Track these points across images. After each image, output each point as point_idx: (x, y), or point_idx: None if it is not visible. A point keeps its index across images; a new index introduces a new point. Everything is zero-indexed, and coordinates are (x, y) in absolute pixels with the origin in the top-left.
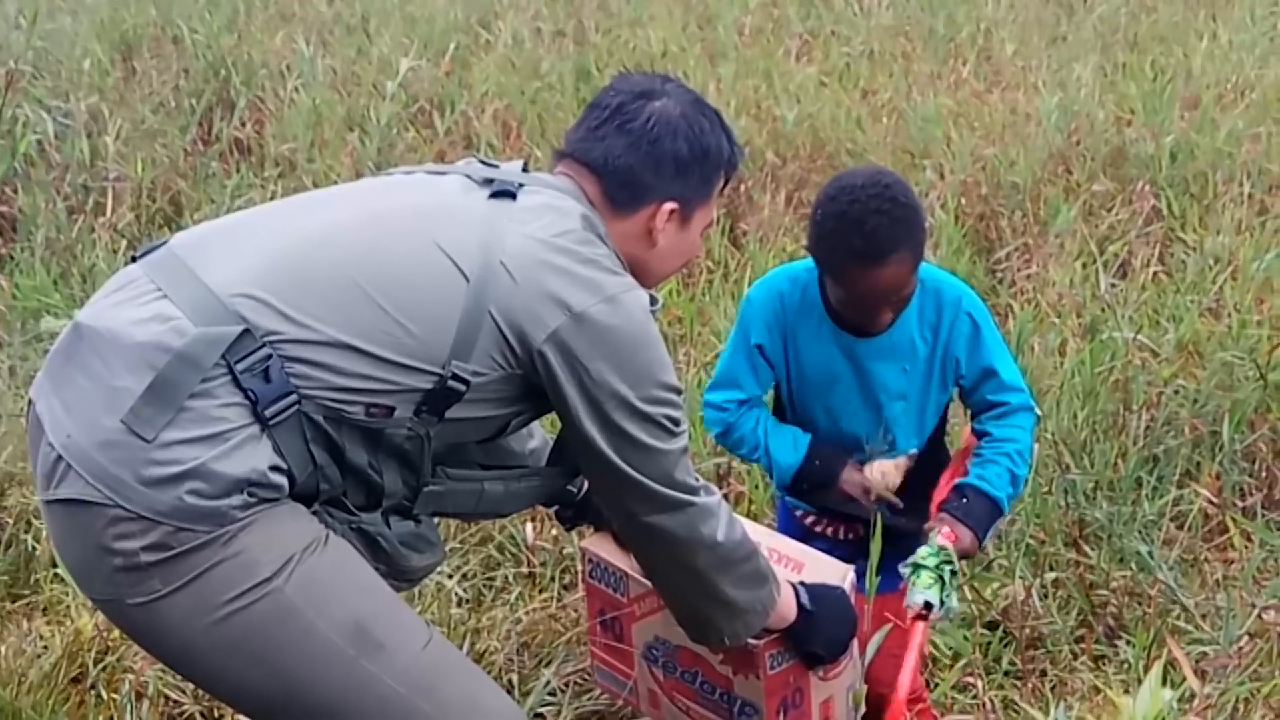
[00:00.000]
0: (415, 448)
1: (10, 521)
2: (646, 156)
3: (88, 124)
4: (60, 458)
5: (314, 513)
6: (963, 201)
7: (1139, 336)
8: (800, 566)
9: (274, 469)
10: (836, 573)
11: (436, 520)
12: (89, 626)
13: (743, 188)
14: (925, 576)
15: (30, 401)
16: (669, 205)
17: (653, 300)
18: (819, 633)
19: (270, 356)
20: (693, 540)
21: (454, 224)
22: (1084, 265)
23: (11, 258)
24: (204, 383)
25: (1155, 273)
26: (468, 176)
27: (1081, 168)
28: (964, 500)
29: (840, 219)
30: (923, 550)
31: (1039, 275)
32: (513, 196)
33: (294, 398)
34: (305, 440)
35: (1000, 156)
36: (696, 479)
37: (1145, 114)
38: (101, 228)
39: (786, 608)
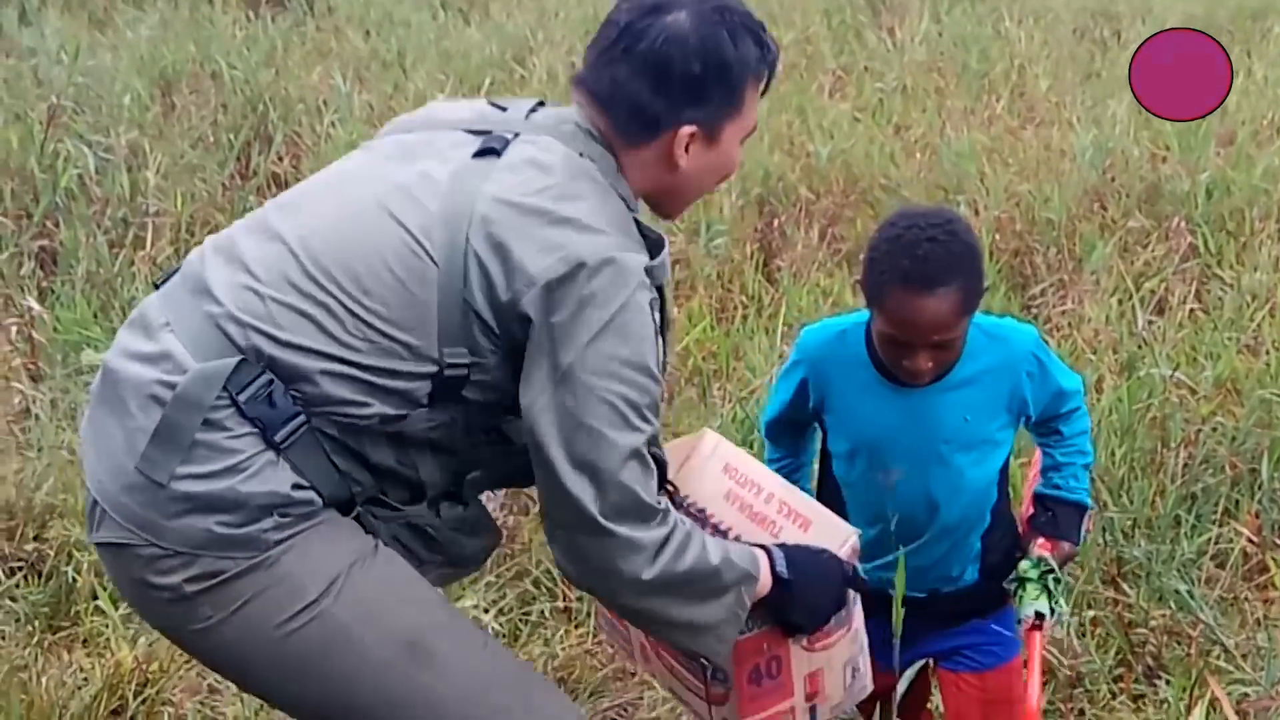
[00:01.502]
0: (444, 434)
1: (51, 554)
2: (656, 81)
3: (128, 159)
4: (96, 502)
5: (356, 517)
6: (997, 238)
7: (1177, 374)
8: (807, 524)
9: (297, 487)
10: (839, 534)
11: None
12: (129, 658)
13: (776, 223)
14: (1031, 589)
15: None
16: (686, 130)
17: (656, 247)
18: (797, 602)
19: (271, 381)
20: (609, 573)
21: (422, 206)
22: (1120, 302)
23: (53, 291)
24: (212, 414)
25: (1192, 310)
26: (467, 131)
27: (1117, 204)
28: (1050, 514)
29: (894, 242)
30: (1024, 564)
31: (1075, 312)
32: (499, 153)
33: (301, 419)
34: (326, 454)
35: (1035, 193)
36: (654, 498)
37: (1180, 150)
38: (141, 261)
39: (762, 576)
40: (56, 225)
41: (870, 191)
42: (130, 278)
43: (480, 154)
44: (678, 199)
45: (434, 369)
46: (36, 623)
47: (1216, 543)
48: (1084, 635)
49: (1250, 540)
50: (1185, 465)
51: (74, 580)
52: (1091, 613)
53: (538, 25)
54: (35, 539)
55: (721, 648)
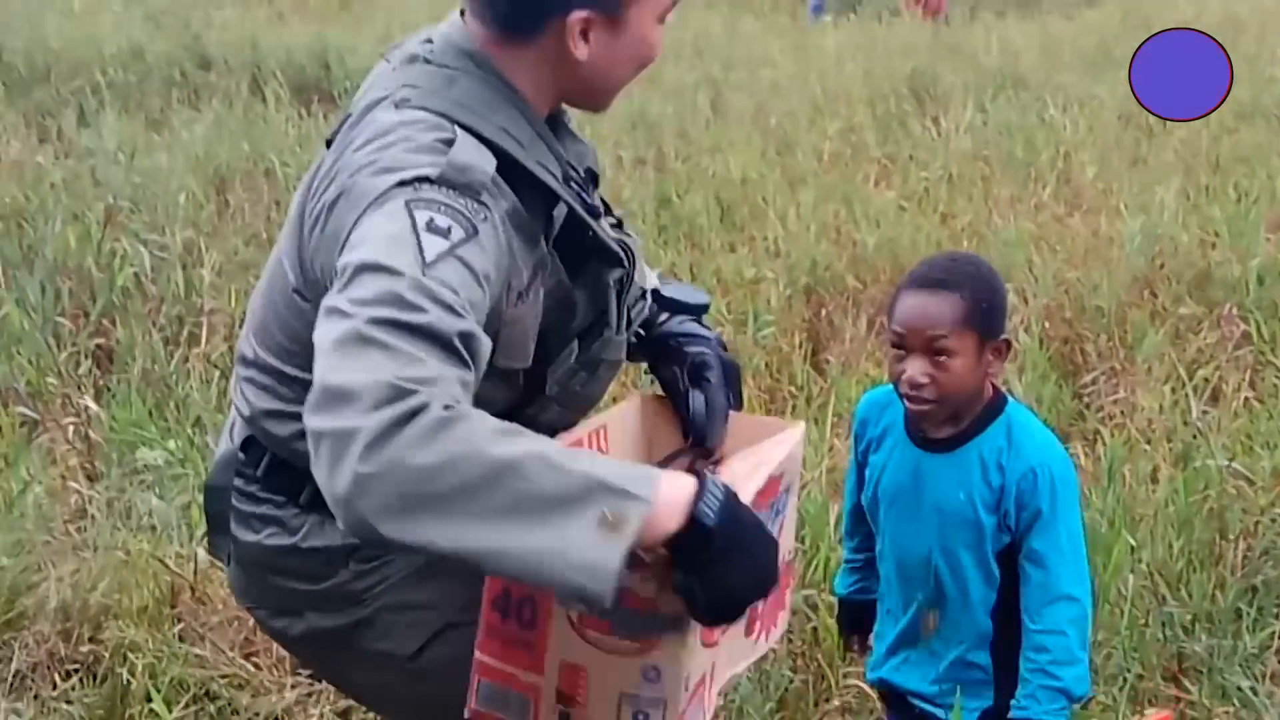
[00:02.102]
0: None
1: (106, 655)
2: None
3: (183, 256)
4: None
5: None
6: (1047, 325)
7: (1233, 464)
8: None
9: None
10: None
11: None
12: None
13: (824, 312)
14: None
15: None
16: (576, 15)
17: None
18: (714, 562)
19: (270, 453)
20: (336, 487)
21: (289, 238)
22: (1173, 390)
23: (109, 389)
24: (249, 488)
25: (1247, 398)
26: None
27: (1167, 291)
28: None
29: (921, 262)
30: None
31: (1127, 400)
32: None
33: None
34: None
35: (1084, 280)
36: (395, 376)
37: (1230, 237)
38: (196, 358)
39: (665, 510)
40: (113, 324)
41: None
42: (185, 375)
43: (328, 143)
44: (593, 94)
45: None
46: None
47: None
48: None
49: None
50: (1245, 557)
51: (129, 682)
52: (1153, 710)
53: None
54: (90, 640)
55: (593, 584)
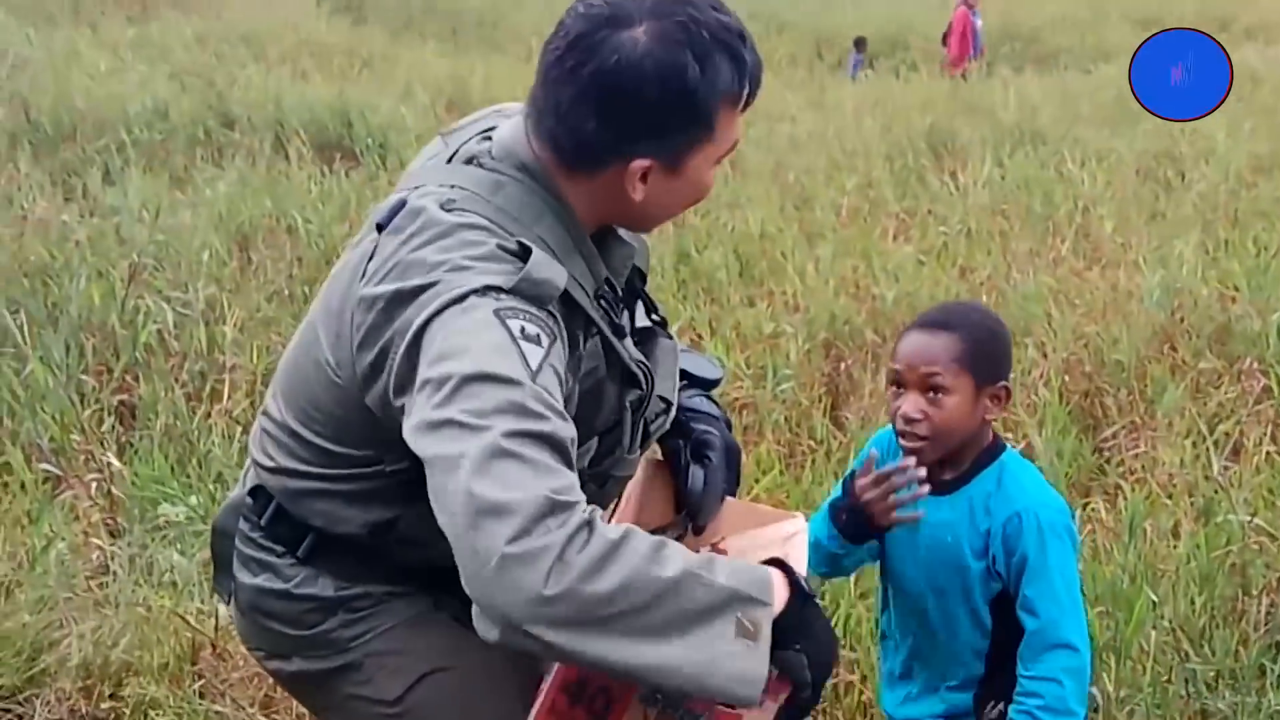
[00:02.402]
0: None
1: (127, 712)
2: (602, 109)
3: (205, 313)
4: None
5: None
6: (1067, 379)
7: (1255, 519)
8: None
9: (341, 589)
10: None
11: None
12: None
13: (843, 366)
14: None
15: None
16: (638, 164)
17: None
18: (814, 633)
19: (276, 503)
20: (509, 604)
21: (327, 310)
22: (1194, 445)
23: (131, 445)
24: (253, 534)
25: (1269, 453)
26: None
27: (1187, 345)
28: None
29: (930, 308)
30: None
31: (1148, 455)
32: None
33: (311, 536)
34: (354, 558)
35: (1103, 334)
36: (525, 495)
37: (1250, 290)
38: (218, 415)
39: (776, 597)
40: (136, 380)
41: None
42: (207, 431)
43: (379, 227)
44: (642, 222)
45: (382, 471)
46: None
47: None
48: None
49: None
50: (1268, 613)
51: None
52: None
53: None
54: (111, 697)
55: (744, 690)
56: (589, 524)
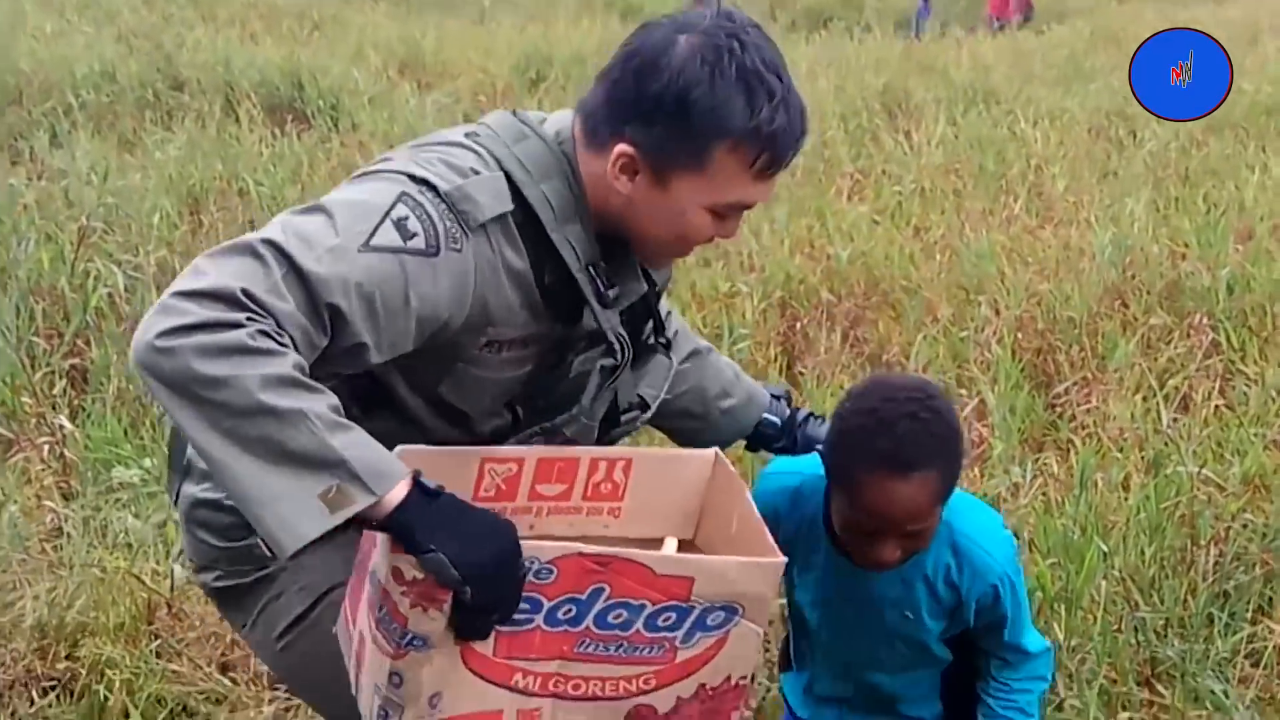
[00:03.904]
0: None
1: (83, 672)
2: (618, 88)
3: (156, 276)
4: None
5: None
6: (1019, 336)
7: (1204, 470)
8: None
9: None
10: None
11: None
12: None
13: (798, 325)
14: None
15: None
16: (621, 148)
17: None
18: (447, 533)
19: None
20: (137, 338)
21: None
22: (1144, 399)
23: (84, 409)
24: None
25: (1217, 406)
26: None
27: (1138, 302)
28: None
29: (868, 416)
30: None
31: (1099, 410)
32: None
33: None
34: None
35: (1055, 292)
36: (236, 287)
37: (1200, 247)
38: None
39: (391, 497)
40: (87, 344)
41: (891, 293)
42: None
43: None
44: (631, 233)
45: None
46: None
47: (1251, 641)
48: None
49: None
50: (1216, 563)
51: (106, 699)
52: (1126, 715)
53: None
54: (67, 658)
55: (285, 537)
56: (242, 325)
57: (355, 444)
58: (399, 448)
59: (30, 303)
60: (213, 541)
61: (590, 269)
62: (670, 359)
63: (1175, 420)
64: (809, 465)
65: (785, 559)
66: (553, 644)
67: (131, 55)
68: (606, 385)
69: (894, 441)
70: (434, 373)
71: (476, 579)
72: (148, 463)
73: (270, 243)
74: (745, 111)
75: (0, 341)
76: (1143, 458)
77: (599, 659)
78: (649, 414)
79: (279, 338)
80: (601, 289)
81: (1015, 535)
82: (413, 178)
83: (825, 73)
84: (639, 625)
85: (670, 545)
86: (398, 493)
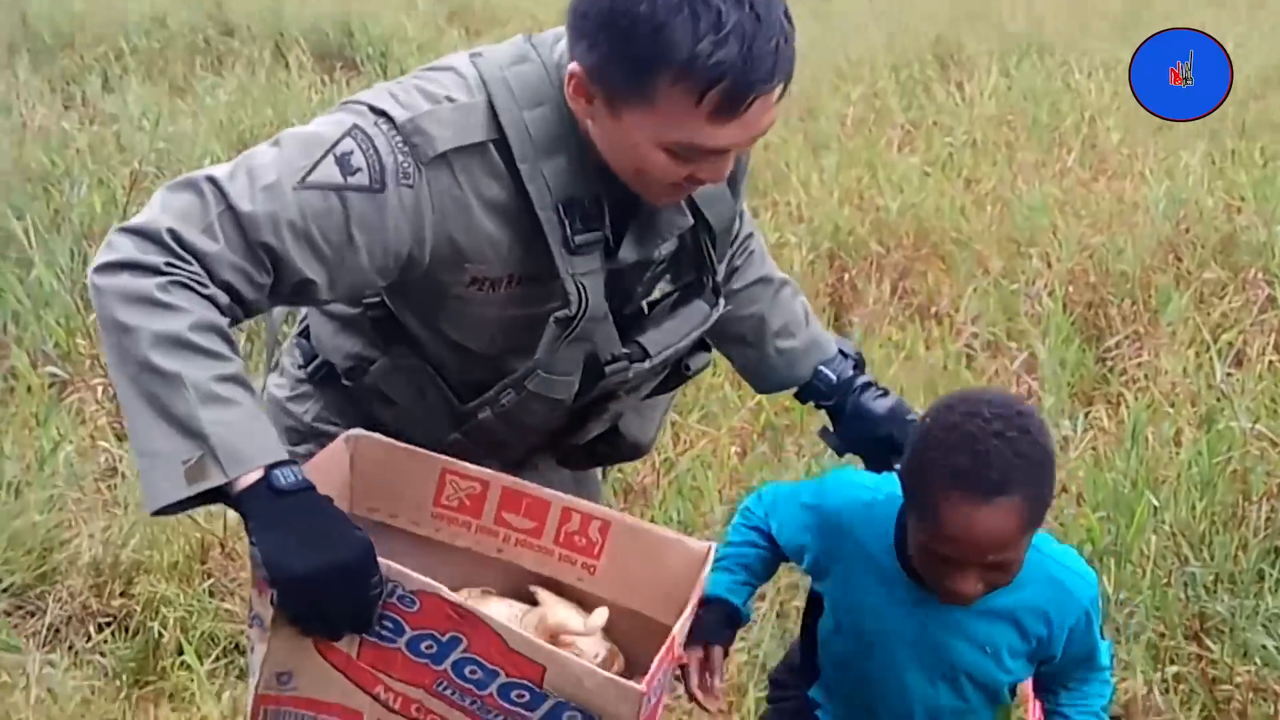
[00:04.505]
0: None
1: (138, 610)
2: (577, 7)
3: None
4: None
5: None
6: (1070, 290)
7: (1257, 426)
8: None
9: (320, 420)
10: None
11: None
12: (215, 714)
13: (846, 277)
14: None
15: None
16: (573, 67)
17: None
18: (273, 531)
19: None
20: (101, 253)
21: None
22: (1197, 354)
23: None
24: (294, 340)
25: (1271, 361)
26: None
27: (1192, 256)
28: None
29: (951, 431)
30: None
31: (1151, 364)
32: None
33: (320, 358)
34: (341, 389)
35: (1108, 245)
36: (165, 228)
37: (1256, 201)
38: None
39: (242, 482)
40: None
41: (941, 245)
42: None
43: None
44: (613, 165)
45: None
46: (124, 677)
47: None
48: (1167, 692)
49: None
50: (1268, 519)
51: (160, 636)
52: (1174, 669)
53: None
54: (122, 595)
55: (148, 496)
56: (160, 272)
57: (223, 420)
58: (354, 431)
59: (84, 246)
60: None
61: (561, 208)
62: (712, 305)
63: (1229, 375)
64: (887, 483)
65: (645, 690)
66: (415, 673)
67: (183, 1)
68: (563, 338)
69: (977, 460)
70: (431, 308)
71: (283, 583)
72: None
73: (212, 180)
74: (688, 39)
75: (54, 284)
76: (1195, 412)
77: (456, 706)
78: (649, 364)
79: (199, 288)
80: (568, 232)
81: (1064, 489)
82: (372, 109)
83: (877, 23)
84: (493, 690)
85: (599, 616)
86: (248, 479)
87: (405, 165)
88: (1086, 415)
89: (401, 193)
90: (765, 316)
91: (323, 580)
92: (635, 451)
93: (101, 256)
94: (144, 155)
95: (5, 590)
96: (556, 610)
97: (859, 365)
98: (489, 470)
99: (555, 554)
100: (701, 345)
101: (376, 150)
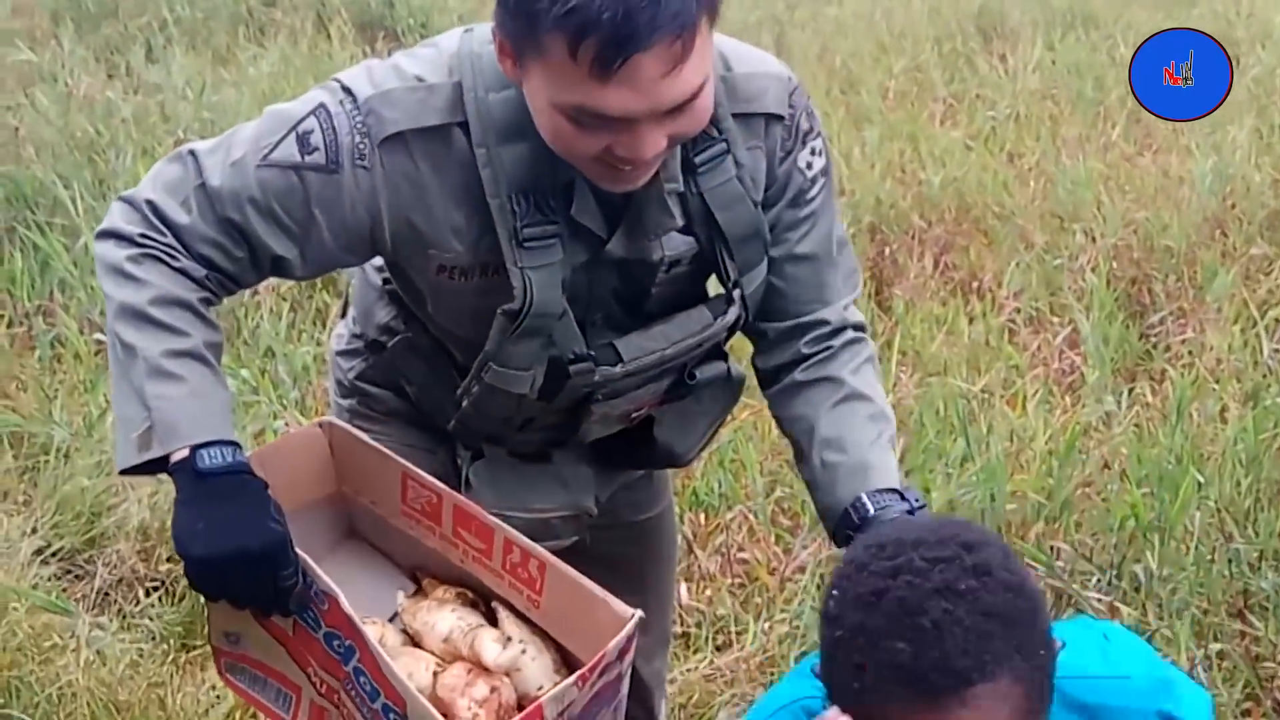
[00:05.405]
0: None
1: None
2: None
3: None
4: None
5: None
6: (1114, 265)
7: None
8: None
9: (363, 380)
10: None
11: None
12: None
13: (888, 251)
14: None
15: None
16: (495, 24)
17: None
18: (185, 510)
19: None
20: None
21: None
22: (1243, 330)
23: None
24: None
25: None
26: None
27: (1238, 231)
28: None
29: (871, 611)
30: None
31: (1195, 340)
32: None
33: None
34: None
35: (1153, 220)
36: (153, 202)
37: None
38: (265, 290)
39: (174, 447)
40: None
41: (984, 220)
42: (255, 307)
43: None
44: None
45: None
46: (171, 641)
47: None
48: (1210, 669)
49: None
50: None
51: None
52: (1218, 646)
53: None
54: (169, 560)
55: (115, 456)
56: (133, 242)
57: (164, 395)
58: (327, 419)
59: None
60: (332, 387)
61: (513, 198)
62: (719, 314)
63: (1276, 351)
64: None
65: None
66: (331, 666)
67: None
68: (511, 332)
69: (924, 644)
70: (416, 293)
71: (188, 560)
72: (244, 373)
73: (194, 153)
74: None
75: None
76: (1240, 388)
77: (359, 710)
78: (620, 369)
79: (169, 260)
80: (517, 223)
81: (1106, 465)
82: (343, 86)
83: None
84: (378, 706)
85: (506, 658)
86: (178, 455)
87: (361, 145)
88: (1130, 391)
89: (357, 173)
90: (814, 422)
91: (224, 566)
92: (670, 460)
93: (104, 221)
94: (188, 125)
95: (55, 555)
96: (483, 636)
97: (917, 509)
98: (441, 484)
99: (504, 579)
100: (715, 354)
101: (335, 130)
